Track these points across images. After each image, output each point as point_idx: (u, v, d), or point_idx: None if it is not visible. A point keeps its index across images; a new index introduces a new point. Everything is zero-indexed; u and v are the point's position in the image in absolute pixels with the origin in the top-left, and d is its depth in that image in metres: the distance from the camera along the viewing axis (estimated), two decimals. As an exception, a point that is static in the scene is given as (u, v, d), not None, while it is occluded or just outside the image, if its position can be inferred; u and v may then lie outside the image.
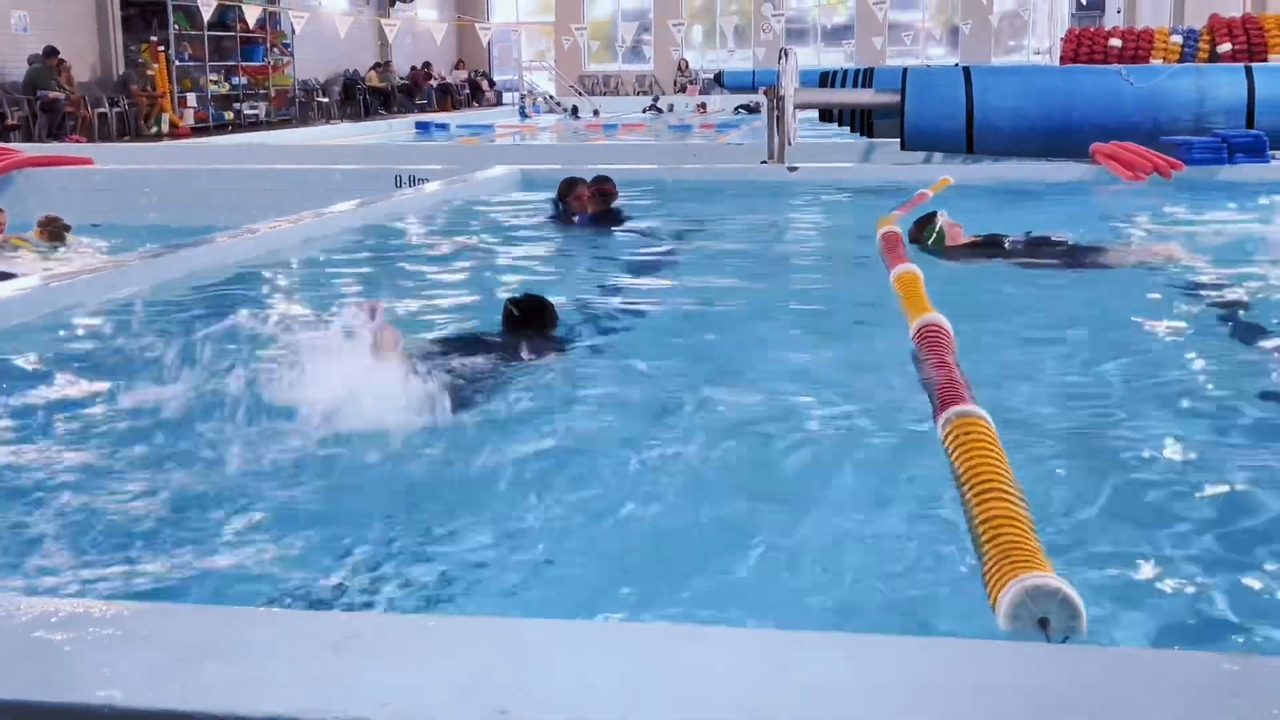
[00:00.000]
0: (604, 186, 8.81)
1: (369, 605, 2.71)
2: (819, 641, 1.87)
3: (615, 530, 3.11)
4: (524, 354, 4.46)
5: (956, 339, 4.11)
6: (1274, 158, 10.52)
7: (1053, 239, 6.85)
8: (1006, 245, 6.71)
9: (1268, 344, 4.90)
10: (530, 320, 4.77)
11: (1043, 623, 2.07)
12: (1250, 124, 11.24)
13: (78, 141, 17.92)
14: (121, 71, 22.78)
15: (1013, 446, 3.03)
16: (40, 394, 4.26)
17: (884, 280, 5.39)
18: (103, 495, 3.28)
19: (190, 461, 3.52)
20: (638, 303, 5.88)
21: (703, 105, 30.08)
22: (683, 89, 35.89)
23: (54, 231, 8.78)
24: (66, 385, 4.39)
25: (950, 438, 2.93)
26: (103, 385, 4.32)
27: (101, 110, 21.34)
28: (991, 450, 2.80)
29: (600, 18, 39.81)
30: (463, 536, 3.06)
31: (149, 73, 22.55)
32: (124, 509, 3.19)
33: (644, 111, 29.98)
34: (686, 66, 37.80)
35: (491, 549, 2.99)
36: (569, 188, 8.74)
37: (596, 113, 29.72)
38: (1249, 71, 11.84)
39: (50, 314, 5.31)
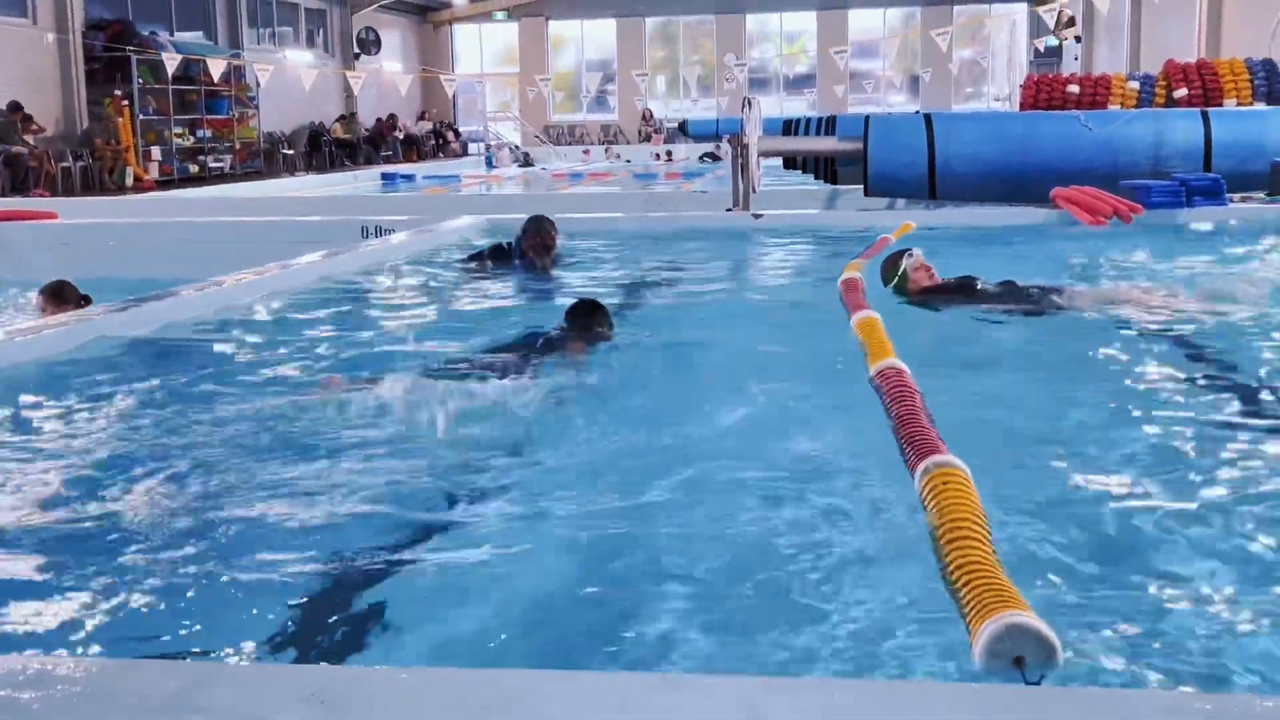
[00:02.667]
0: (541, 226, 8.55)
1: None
2: (793, 687, 1.87)
3: (563, 574, 3.10)
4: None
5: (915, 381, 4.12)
6: (1232, 200, 10.66)
7: (1018, 282, 6.89)
8: (979, 287, 6.71)
9: (1230, 385, 4.95)
10: (588, 318, 5.65)
11: (1018, 661, 2.08)
12: (1207, 167, 11.39)
13: (42, 196, 17.86)
14: (85, 125, 22.75)
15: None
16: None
17: (846, 326, 5.41)
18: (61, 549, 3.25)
19: (159, 509, 3.49)
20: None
21: (669, 154, 30.38)
22: (647, 138, 36.20)
23: None
24: (21, 438, 4.36)
25: (926, 488, 2.92)
26: (59, 438, 4.29)
27: (65, 164, 21.29)
28: (967, 495, 2.79)
29: (564, 68, 40.11)
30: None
31: (113, 126, 22.51)
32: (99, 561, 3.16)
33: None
34: (651, 116, 38.11)
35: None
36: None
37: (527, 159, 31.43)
38: (1205, 116, 12.02)
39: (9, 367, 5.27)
